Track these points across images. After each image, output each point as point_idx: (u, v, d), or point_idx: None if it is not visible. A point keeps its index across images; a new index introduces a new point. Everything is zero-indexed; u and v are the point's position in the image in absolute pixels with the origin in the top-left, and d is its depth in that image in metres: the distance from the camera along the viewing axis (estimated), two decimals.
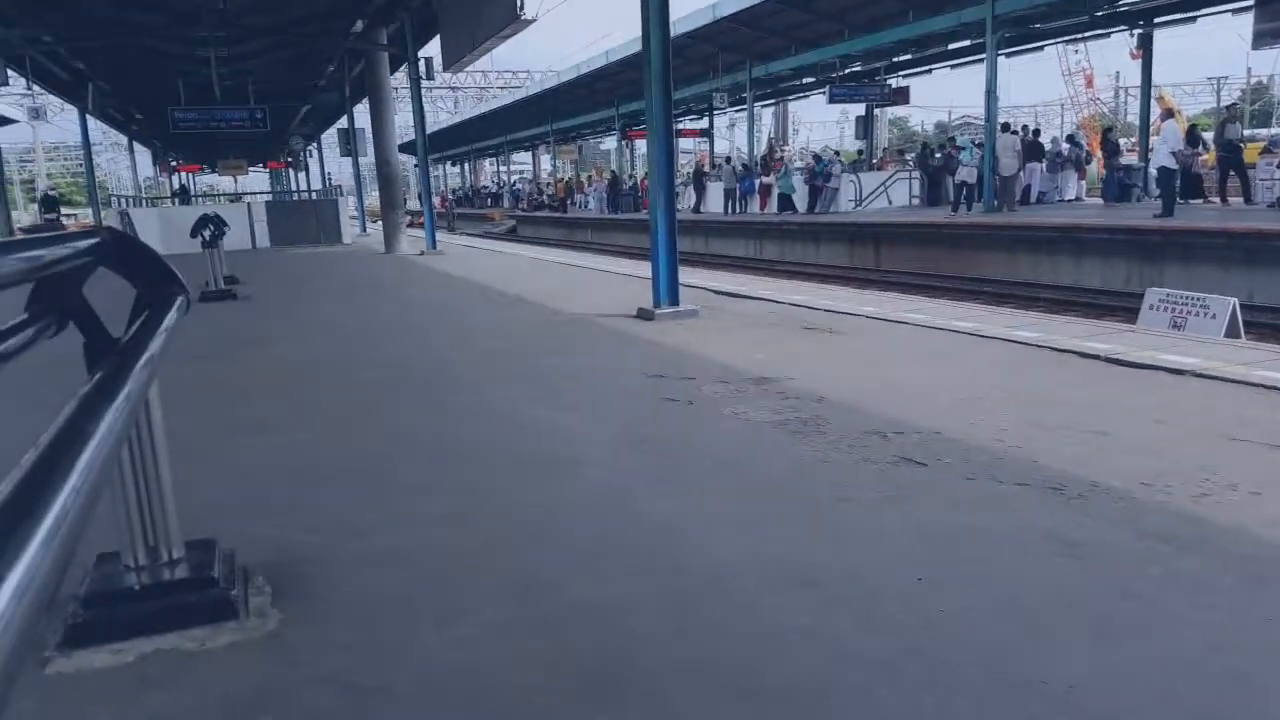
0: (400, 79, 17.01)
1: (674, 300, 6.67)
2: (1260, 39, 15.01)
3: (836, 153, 27.53)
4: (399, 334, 6.79)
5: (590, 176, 38.26)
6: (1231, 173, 15.05)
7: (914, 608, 2.02)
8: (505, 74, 49.57)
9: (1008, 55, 20.05)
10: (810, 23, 21.08)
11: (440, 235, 17.45)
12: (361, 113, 20.64)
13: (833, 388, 4.09)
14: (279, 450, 3.59)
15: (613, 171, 35.27)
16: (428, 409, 4.23)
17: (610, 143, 43.80)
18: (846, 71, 23.82)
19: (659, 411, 3.89)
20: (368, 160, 21.62)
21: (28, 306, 1.67)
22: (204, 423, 3.96)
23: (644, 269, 7.64)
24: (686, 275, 7.29)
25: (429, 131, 17.24)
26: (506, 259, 14.21)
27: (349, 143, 21.67)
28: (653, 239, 6.75)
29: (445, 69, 14.44)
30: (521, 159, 54.19)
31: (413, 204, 30.39)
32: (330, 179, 32.63)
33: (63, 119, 35.20)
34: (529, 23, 9.65)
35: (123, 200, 23.83)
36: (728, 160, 27.34)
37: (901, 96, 24.08)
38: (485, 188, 52.68)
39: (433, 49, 15.07)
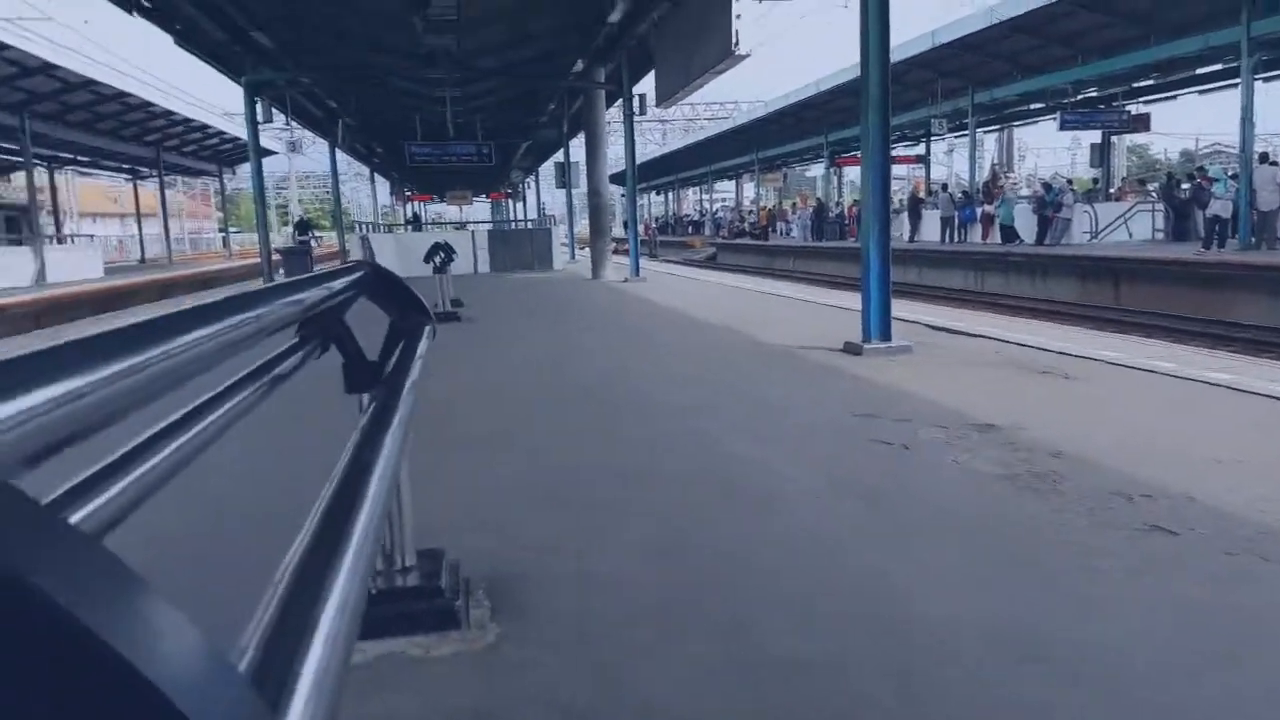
0: (613, 114, 17.75)
1: (885, 335, 6.41)
2: None
3: (1069, 181, 25.57)
4: (604, 357, 7.00)
5: (795, 204, 38.06)
6: None
7: (1170, 692, 1.79)
8: (713, 105, 50.53)
9: (1265, 79, 17.90)
10: (1039, 48, 19.88)
11: (642, 261, 17.93)
12: (575, 146, 21.75)
13: (1068, 440, 3.75)
14: (491, 466, 3.76)
15: (819, 199, 34.87)
16: (631, 434, 4.30)
17: (816, 170, 43.34)
18: (1080, 97, 22.17)
19: (869, 454, 3.72)
20: (578, 191, 22.69)
21: (298, 331, 1.85)
22: (424, 437, 4.23)
23: (849, 300, 7.42)
24: (898, 308, 6.99)
25: (637, 163, 17.85)
26: (707, 287, 14.34)
27: (564, 175, 22.86)
28: (863, 269, 6.54)
29: (658, 104, 14.88)
30: (724, 187, 54.81)
31: (616, 231, 31.53)
32: (544, 208, 34.55)
33: (313, 151, 39.86)
34: (742, 58, 9.69)
35: (363, 226, 26.39)
36: (944, 187, 26.21)
37: (1141, 123, 22.08)
38: (687, 216, 53.73)
39: (646, 85, 15.63)
